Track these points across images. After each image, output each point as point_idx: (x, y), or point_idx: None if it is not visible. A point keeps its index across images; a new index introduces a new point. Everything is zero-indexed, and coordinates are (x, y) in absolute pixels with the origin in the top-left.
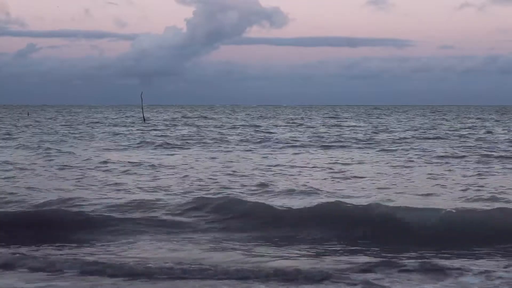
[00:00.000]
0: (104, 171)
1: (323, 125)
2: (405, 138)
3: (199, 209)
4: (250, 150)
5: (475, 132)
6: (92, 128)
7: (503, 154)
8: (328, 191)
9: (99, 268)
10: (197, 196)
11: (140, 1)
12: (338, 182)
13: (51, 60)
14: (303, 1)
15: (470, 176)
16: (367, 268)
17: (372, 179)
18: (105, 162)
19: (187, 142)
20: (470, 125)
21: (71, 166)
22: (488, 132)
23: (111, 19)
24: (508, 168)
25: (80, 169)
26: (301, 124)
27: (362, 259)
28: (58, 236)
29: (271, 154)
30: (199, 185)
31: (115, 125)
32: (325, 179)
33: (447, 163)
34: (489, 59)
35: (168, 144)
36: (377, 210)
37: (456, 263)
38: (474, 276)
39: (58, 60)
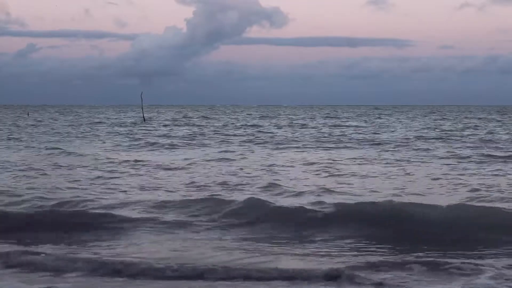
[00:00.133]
0: (110, 171)
1: (325, 126)
2: (408, 138)
3: (205, 209)
4: (254, 150)
5: (478, 132)
6: (96, 128)
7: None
8: (336, 190)
9: (106, 267)
10: (202, 196)
11: (140, 1)
12: (345, 181)
13: (51, 60)
14: (303, 1)
15: (479, 176)
16: (378, 268)
17: (379, 178)
18: (111, 162)
19: (190, 142)
20: (474, 125)
21: (79, 166)
22: (490, 132)
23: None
24: None
25: (88, 169)
26: (304, 125)
27: (374, 258)
28: (60, 236)
29: (275, 153)
30: (205, 184)
31: (118, 125)
32: (327, 177)
33: (452, 163)
34: (489, 59)
35: (172, 144)
36: (389, 209)
37: (469, 263)
38: (488, 278)
39: (58, 60)
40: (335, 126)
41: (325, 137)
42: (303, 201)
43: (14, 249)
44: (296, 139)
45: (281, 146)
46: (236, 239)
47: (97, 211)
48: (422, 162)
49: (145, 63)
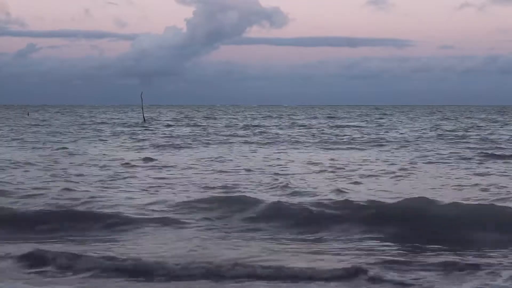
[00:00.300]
0: (119, 170)
1: (331, 126)
2: (413, 138)
3: (217, 209)
4: (261, 150)
5: (482, 132)
6: (99, 128)
7: None
8: (347, 190)
9: (117, 266)
10: (210, 194)
11: (140, 1)
12: (356, 181)
13: (51, 60)
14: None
15: (489, 175)
16: (395, 267)
17: (389, 178)
18: (119, 161)
19: (196, 142)
20: (476, 125)
21: (87, 165)
22: (493, 133)
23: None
24: None
25: (96, 168)
26: (307, 125)
27: (390, 257)
28: (69, 234)
29: (282, 153)
30: (213, 184)
31: (121, 125)
32: (337, 177)
33: (460, 162)
34: (489, 59)
35: (178, 144)
36: (404, 208)
37: (486, 263)
38: (505, 280)
39: (58, 60)
40: (338, 126)
41: (332, 137)
42: (316, 201)
43: (23, 247)
44: (301, 139)
45: (287, 146)
46: (249, 238)
47: (107, 210)
48: (430, 162)
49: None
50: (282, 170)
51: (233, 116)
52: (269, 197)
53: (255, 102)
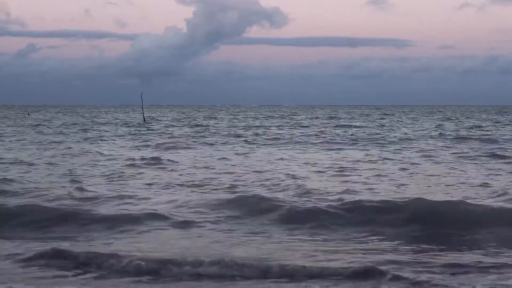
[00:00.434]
0: (122, 171)
1: (331, 126)
2: (417, 137)
3: (224, 207)
4: (261, 150)
5: (484, 132)
6: (103, 128)
7: None
8: (357, 189)
9: (119, 265)
10: (219, 194)
11: (140, 1)
12: (365, 181)
13: (51, 60)
14: (303, 1)
15: (495, 175)
16: (401, 266)
17: (397, 177)
18: (124, 161)
19: (196, 142)
20: (480, 125)
21: (92, 165)
22: (495, 133)
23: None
24: None
25: (102, 167)
26: (307, 125)
27: (403, 256)
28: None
29: (287, 153)
30: (220, 183)
31: (123, 125)
32: (346, 177)
33: (466, 162)
34: (489, 59)
35: (180, 143)
36: (415, 207)
37: (496, 262)
38: None
39: (58, 60)
40: (341, 126)
41: (335, 137)
42: (325, 201)
43: (32, 246)
44: (305, 139)
45: (293, 146)
46: (259, 238)
47: (114, 208)
48: (436, 162)
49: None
50: (288, 170)
51: (234, 116)
52: (277, 197)
53: (255, 102)
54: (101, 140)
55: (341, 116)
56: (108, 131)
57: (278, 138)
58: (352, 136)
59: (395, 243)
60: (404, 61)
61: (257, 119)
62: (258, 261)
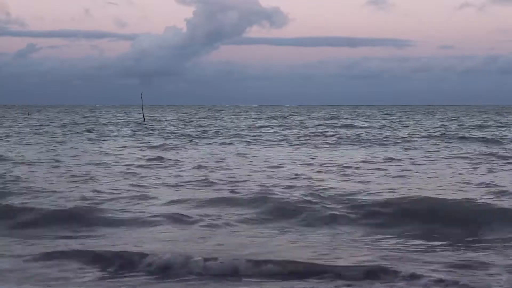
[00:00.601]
0: (128, 170)
1: (333, 126)
2: (421, 137)
3: (233, 205)
4: (264, 149)
5: (486, 132)
6: (104, 128)
7: None
8: (364, 188)
9: (127, 262)
10: (227, 193)
11: (140, 1)
12: (372, 180)
13: (51, 60)
14: (303, 1)
15: (497, 174)
16: (406, 263)
17: (404, 176)
18: (129, 160)
19: (199, 142)
20: (481, 125)
21: (96, 164)
22: (497, 133)
23: (111, 19)
24: None
25: (106, 167)
26: (308, 126)
27: (416, 255)
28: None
29: (293, 152)
30: (228, 182)
31: (125, 125)
32: (353, 176)
33: (469, 162)
34: (489, 59)
35: (183, 143)
36: (417, 205)
37: (499, 260)
38: None
39: (58, 60)
40: (343, 126)
41: (341, 137)
42: (333, 199)
43: (39, 244)
44: (309, 139)
45: (298, 146)
46: (267, 235)
47: (120, 207)
48: (440, 161)
49: (145, 63)
50: (294, 170)
51: (235, 116)
52: (287, 195)
53: (255, 102)
54: (104, 140)
55: (343, 116)
56: (111, 131)
57: (281, 138)
58: (356, 136)
59: (399, 240)
60: (404, 61)
61: (259, 119)
62: (269, 258)
